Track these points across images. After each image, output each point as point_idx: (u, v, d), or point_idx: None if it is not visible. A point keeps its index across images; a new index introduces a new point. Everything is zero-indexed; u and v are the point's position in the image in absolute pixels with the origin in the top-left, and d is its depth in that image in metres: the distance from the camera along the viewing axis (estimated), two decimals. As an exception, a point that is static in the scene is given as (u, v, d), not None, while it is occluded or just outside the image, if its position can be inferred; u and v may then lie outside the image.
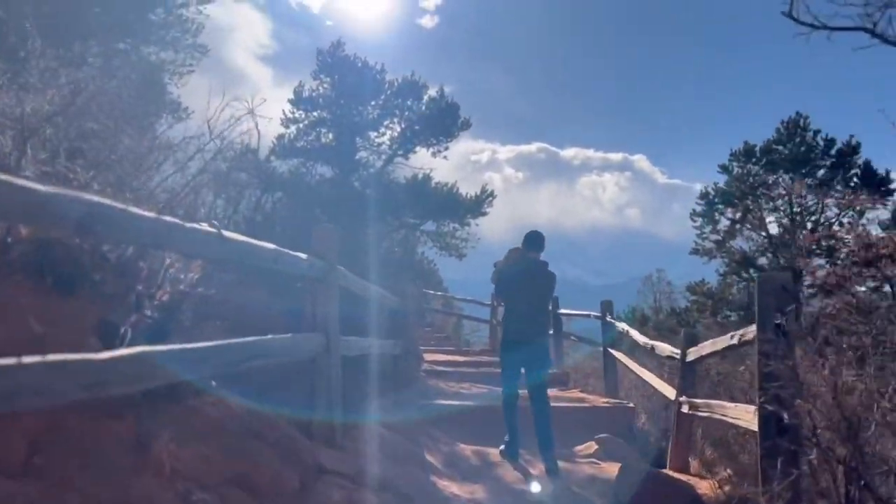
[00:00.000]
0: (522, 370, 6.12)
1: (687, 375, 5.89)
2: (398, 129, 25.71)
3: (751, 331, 3.41)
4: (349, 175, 24.05)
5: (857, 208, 18.41)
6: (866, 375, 2.80)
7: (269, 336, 2.97)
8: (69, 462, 2.08)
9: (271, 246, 3.03)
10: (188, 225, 2.29)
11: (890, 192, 21.25)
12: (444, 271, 28.18)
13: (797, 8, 3.89)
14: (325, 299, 3.91)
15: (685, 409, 5.64)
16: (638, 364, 8.47)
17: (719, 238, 22.98)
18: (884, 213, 19.22)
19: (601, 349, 10.11)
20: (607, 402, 8.26)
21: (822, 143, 23.02)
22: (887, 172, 22.22)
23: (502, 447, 6.05)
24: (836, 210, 21.37)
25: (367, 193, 21.60)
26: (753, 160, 23.04)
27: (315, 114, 25.45)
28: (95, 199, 1.85)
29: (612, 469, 5.71)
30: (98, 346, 2.34)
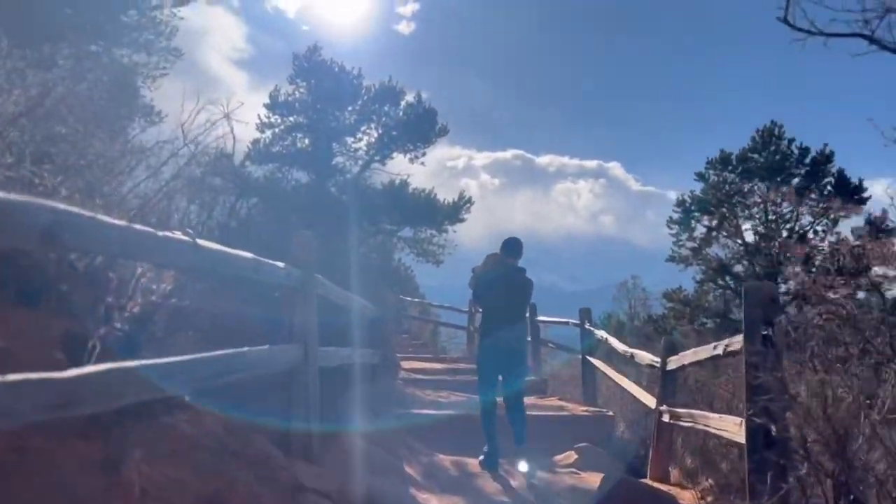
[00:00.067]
0: (500, 377, 6.09)
1: (667, 384, 5.87)
2: (375, 135, 25.59)
3: (736, 341, 3.38)
4: (325, 181, 23.88)
5: (832, 216, 18.72)
6: (854, 386, 2.77)
7: (245, 349, 2.86)
8: (33, 485, 1.96)
9: (248, 255, 2.93)
10: (161, 233, 2.19)
11: (863, 200, 21.60)
12: (421, 277, 28.08)
13: (793, 13, 3.88)
14: (302, 309, 3.81)
15: (666, 418, 5.61)
16: (617, 371, 8.45)
17: (696, 245, 23.19)
18: (856, 221, 19.56)
19: (578, 356, 10.10)
20: (586, 411, 8.22)
21: (796, 151, 23.37)
22: (860, 181, 22.61)
23: (481, 457, 5.98)
24: (810, 218, 21.72)
25: (343, 199, 21.47)
26: (729, 168, 23.30)
27: (291, 119, 25.25)
28: (62, 206, 1.74)
29: (592, 479, 5.67)
30: (64, 361, 2.22)
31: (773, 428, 2.73)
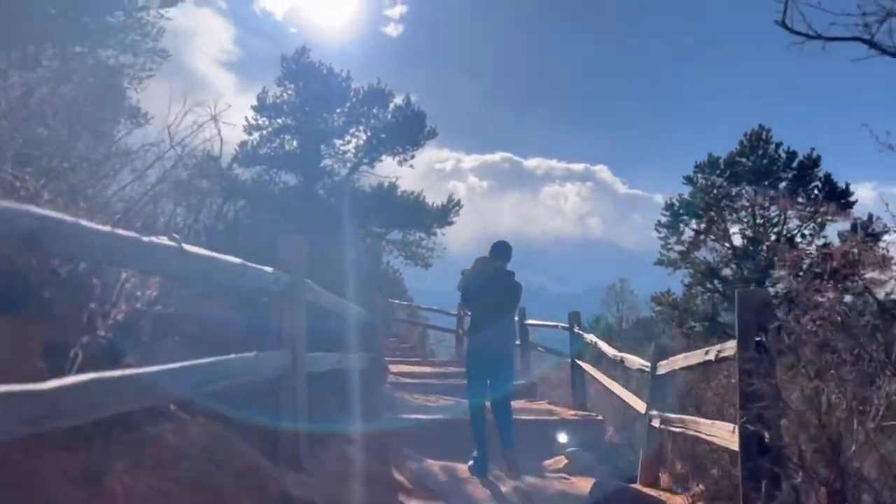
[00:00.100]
0: (489, 381, 6.07)
1: (657, 389, 5.85)
2: (364, 137, 25.52)
3: (728, 347, 3.36)
4: (314, 183, 23.78)
5: (819, 220, 18.85)
6: (848, 393, 2.75)
7: (232, 356, 2.81)
8: (13, 499, 1.90)
9: (236, 260, 2.87)
10: (146, 239, 2.13)
11: (850, 205, 21.75)
12: (409, 280, 28.02)
13: (791, 17, 3.86)
14: (291, 314, 3.75)
15: (656, 423, 5.59)
16: (606, 375, 8.44)
17: (684, 249, 23.25)
18: (843, 225, 19.69)
19: (568, 360, 10.08)
20: (576, 415, 8.21)
21: (783, 155, 23.49)
22: (847, 185, 22.77)
23: (471, 463, 5.94)
24: (797, 222, 21.84)
25: (332, 202, 21.39)
26: (717, 172, 23.39)
27: (279, 121, 25.13)
28: (44, 212, 1.69)
29: (582, 484, 5.64)
30: (45, 371, 2.16)
31: (767, 435, 2.71)
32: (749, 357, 2.86)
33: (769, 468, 2.66)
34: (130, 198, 7.25)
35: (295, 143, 25.03)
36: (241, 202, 11.44)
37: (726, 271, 22.39)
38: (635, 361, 6.69)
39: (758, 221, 22.34)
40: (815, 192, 22.36)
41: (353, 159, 25.68)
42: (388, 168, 25.36)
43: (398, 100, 25.58)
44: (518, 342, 10.44)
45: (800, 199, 21.24)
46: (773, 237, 21.12)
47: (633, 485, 5.65)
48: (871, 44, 3.72)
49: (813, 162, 23.31)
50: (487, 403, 6.17)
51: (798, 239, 21.32)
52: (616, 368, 8.34)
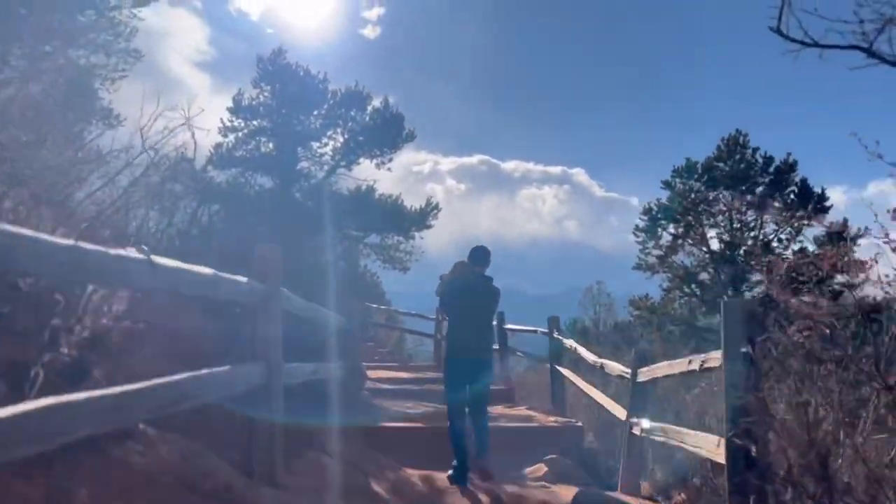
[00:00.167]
0: (467, 386, 6.02)
1: (638, 396, 5.81)
2: (341, 140, 25.31)
3: (713, 357, 3.31)
4: (290, 186, 23.55)
5: (795, 225, 19.06)
6: (835, 405, 2.71)
7: (204, 371, 2.69)
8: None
9: (208, 271, 2.76)
10: (112, 252, 2.02)
11: (825, 210, 22.04)
12: (387, 284, 27.85)
13: (786, 23, 3.82)
14: (266, 325, 3.63)
15: (636, 430, 5.55)
16: (584, 380, 8.39)
17: (662, 253, 23.38)
18: (818, 230, 19.92)
19: (547, 364, 10.03)
20: (556, 422, 8.15)
21: (760, 160, 23.72)
22: (823, 190, 23.05)
23: (450, 472, 5.85)
24: (774, 226, 22.06)
25: (308, 205, 21.19)
26: (695, 177, 23.55)
27: (255, 123, 24.84)
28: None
29: (563, 492, 5.58)
30: (4, 392, 2.04)
31: (754, 449, 2.66)
32: (735, 370, 2.81)
33: (756, 483, 2.61)
34: (102, 202, 7.07)
35: (271, 145, 24.77)
36: (216, 206, 11.27)
37: (704, 276, 22.57)
38: (615, 368, 6.66)
39: (735, 226, 22.54)
40: (792, 196, 22.62)
41: (330, 162, 25.47)
42: (366, 171, 25.20)
43: (376, 102, 25.45)
44: (496, 346, 10.38)
45: (776, 204, 21.46)
46: (750, 241, 21.32)
47: (613, 493, 5.60)
48: (870, 52, 3.69)
49: (789, 167, 23.56)
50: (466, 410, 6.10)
51: (774, 243, 21.57)
52: (594, 372, 8.31)
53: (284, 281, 4.01)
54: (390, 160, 25.12)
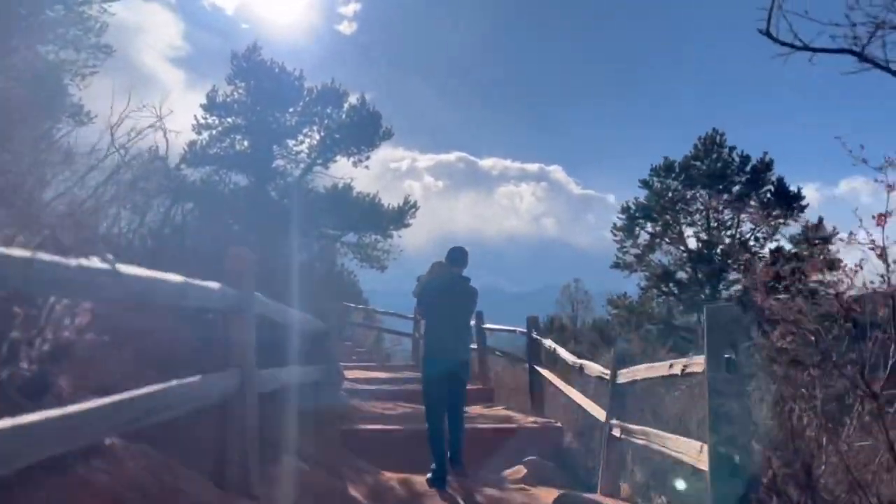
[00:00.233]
0: (446, 387, 5.99)
1: (617, 397, 5.79)
2: (317, 137, 25.11)
3: (696, 362, 3.27)
4: (265, 184, 23.31)
5: (772, 223, 19.26)
6: (818, 410, 2.69)
7: (174, 382, 2.59)
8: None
9: (177, 278, 2.65)
10: (73, 263, 1.91)
11: (801, 208, 22.33)
12: (365, 281, 27.70)
13: (776, 26, 3.77)
14: (239, 331, 3.53)
15: (616, 432, 5.52)
16: (563, 379, 8.37)
17: (639, 252, 23.53)
18: (794, 228, 20.18)
19: (525, 364, 10.01)
20: (535, 423, 8.11)
21: (737, 159, 23.97)
22: (798, 189, 23.34)
23: (429, 475, 5.80)
24: (751, 225, 22.31)
25: (284, 203, 20.98)
26: (673, 175, 23.73)
27: (229, 120, 24.56)
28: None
29: (543, 495, 5.55)
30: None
31: (738, 457, 2.63)
32: (719, 377, 2.77)
33: (741, 492, 2.57)
34: (71, 202, 6.89)
35: (246, 142, 24.50)
36: (190, 204, 11.06)
37: (681, 274, 22.76)
38: (595, 369, 6.63)
39: (712, 225, 22.76)
40: (768, 195, 22.89)
41: (306, 160, 25.26)
42: (343, 169, 25.02)
43: (353, 99, 25.29)
44: (475, 346, 10.35)
45: (753, 203, 21.67)
46: (728, 240, 21.52)
47: (593, 496, 5.57)
48: (862, 56, 3.67)
49: (766, 166, 23.83)
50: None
51: (751, 242, 21.80)
52: (572, 371, 8.29)
53: (259, 282, 3.91)
54: (367, 158, 24.99)
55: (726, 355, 2.85)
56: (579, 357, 8.01)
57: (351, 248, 25.13)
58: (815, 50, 3.83)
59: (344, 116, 25.02)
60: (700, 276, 20.76)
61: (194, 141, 23.63)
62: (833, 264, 2.79)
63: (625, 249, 23.94)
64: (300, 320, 5.68)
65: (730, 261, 18.32)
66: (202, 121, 24.24)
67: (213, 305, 3.31)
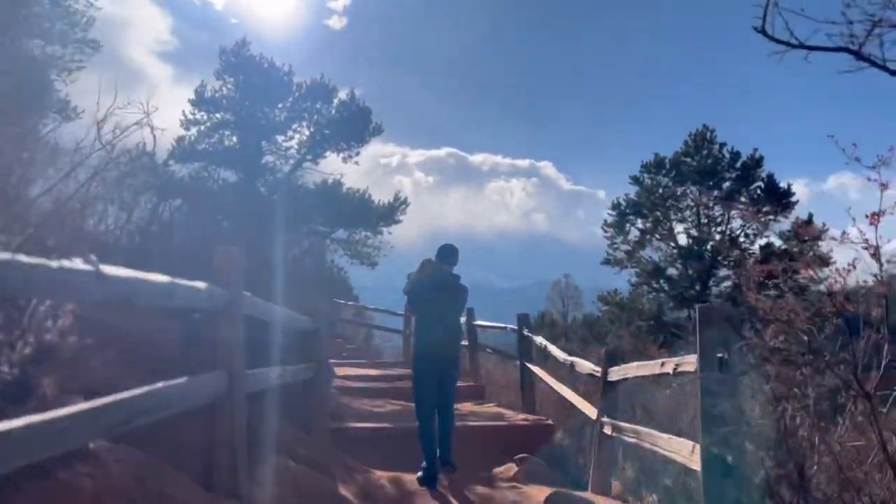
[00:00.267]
0: (436, 385, 5.98)
1: (609, 395, 5.78)
2: (307, 133, 24.99)
3: (688, 361, 3.26)
4: (255, 180, 23.18)
5: (761, 220, 19.34)
6: (810, 410, 2.68)
7: (160, 384, 2.54)
8: None
9: (163, 278, 2.59)
10: (54, 264, 1.86)
11: (791, 205, 22.42)
12: (355, 277, 27.63)
13: (771, 23, 3.74)
14: (227, 331, 3.48)
15: (607, 430, 5.51)
16: (555, 376, 8.36)
17: (630, 248, 23.56)
18: (784, 225, 20.25)
19: (516, 361, 10.00)
20: (526, 420, 8.10)
21: (727, 155, 24.02)
22: (789, 186, 23.45)
23: (420, 474, 5.78)
24: (740, 221, 22.40)
25: (273, 199, 20.88)
26: (663, 172, 23.76)
27: (218, 115, 24.39)
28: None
29: (535, 493, 5.53)
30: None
31: (730, 458, 2.62)
32: (711, 377, 2.75)
33: (734, 493, 2.56)
34: (57, 199, 6.80)
35: (235, 138, 24.35)
36: (178, 201, 10.98)
37: (672, 271, 22.82)
38: (586, 366, 6.62)
39: (702, 221, 22.82)
40: (758, 192, 22.96)
41: (295, 156, 25.14)
42: (333, 165, 24.93)
43: (342, 94, 25.20)
44: (465, 343, 10.34)
45: (743, 199, 21.74)
46: (718, 237, 21.60)
47: (585, 493, 5.56)
48: (859, 55, 3.64)
49: (756, 162, 23.90)
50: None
51: (741, 238, 21.89)
52: (563, 367, 8.28)
53: (248, 280, 3.86)
54: (357, 154, 24.92)
55: (718, 355, 2.84)
56: (570, 354, 8.01)
57: (341, 244, 25.04)
58: (810, 48, 3.81)
59: (333, 112, 24.91)
60: (690, 272, 20.82)
61: (182, 137, 23.49)
62: (823, 260, 2.77)
63: (615, 246, 23.98)
64: (289, 318, 5.63)
65: (720, 257, 18.39)
66: (190, 116, 24.10)
67: (201, 306, 3.25)
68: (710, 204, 21.62)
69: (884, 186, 2.38)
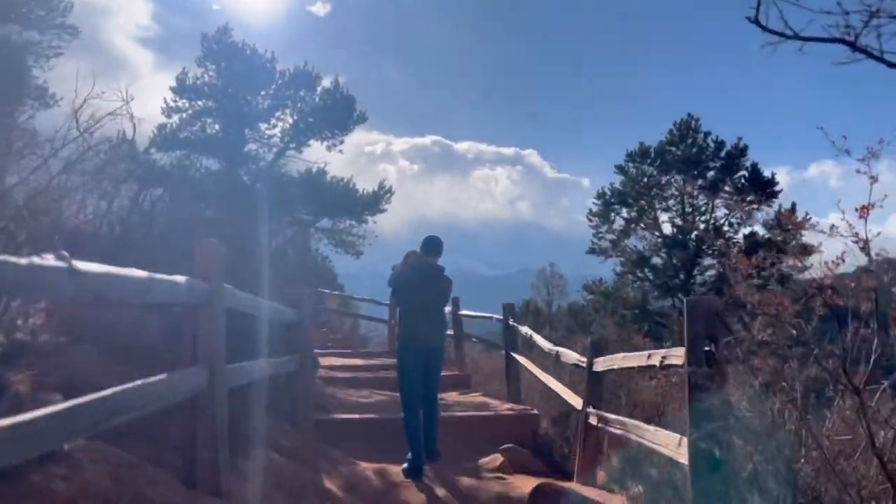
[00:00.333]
0: (421, 376, 5.99)
1: (594, 385, 5.77)
2: (290, 121, 24.77)
3: (675, 354, 3.24)
4: (237, 168, 22.95)
5: (746, 209, 19.47)
6: (798, 404, 2.66)
7: (138, 382, 2.47)
8: None
9: (141, 274, 2.52)
10: (23, 262, 1.78)
11: (775, 194, 22.55)
12: (340, 265, 27.49)
13: (765, 13, 3.69)
14: (208, 326, 3.40)
15: (593, 420, 5.51)
16: (540, 366, 8.36)
17: (615, 237, 23.63)
18: (768, 214, 20.38)
19: (502, 350, 9.99)
20: (511, 410, 8.10)
21: (712, 144, 24.11)
22: (773, 175, 23.56)
23: (405, 465, 5.76)
24: (724, 210, 22.53)
25: (257, 188, 20.70)
26: (648, 161, 23.81)
27: (200, 103, 24.10)
28: None
29: (520, 484, 5.52)
30: None
31: (718, 452, 2.60)
32: (699, 371, 2.73)
33: (721, 488, 2.54)
34: (33, 190, 6.66)
35: (217, 126, 24.09)
36: (159, 190, 10.81)
37: (656, 260, 22.93)
38: (571, 356, 6.61)
39: (687, 210, 22.92)
40: (742, 181, 23.08)
41: (279, 144, 24.92)
42: (317, 153, 24.74)
43: (326, 82, 24.98)
44: (451, 332, 10.33)
45: (727, 188, 21.83)
46: (702, 225, 21.71)
47: (571, 484, 5.56)
48: (855, 46, 3.60)
49: (740, 151, 24.01)
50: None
51: (726, 228, 22.00)
52: (548, 356, 8.27)
53: (230, 271, 3.78)
54: (341, 142, 24.73)
55: (706, 348, 2.83)
56: (555, 343, 8.00)
57: (325, 233, 24.89)
58: (805, 39, 3.76)
59: (317, 100, 24.70)
60: (675, 261, 20.93)
61: (164, 124, 23.21)
62: (807, 249, 2.75)
63: (600, 235, 24.06)
64: (272, 310, 5.56)
65: (704, 246, 18.46)
66: (172, 104, 23.81)
67: (180, 300, 3.18)
68: (695, 193, 21.74)
69: (873, 179, 2.35)
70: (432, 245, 6.08)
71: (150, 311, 4.80)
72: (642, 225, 23.12)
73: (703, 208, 23.22)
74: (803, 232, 3.34)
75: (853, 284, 2.31)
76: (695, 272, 20.77)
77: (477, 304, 12.64)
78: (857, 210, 2.30)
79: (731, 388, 2.80)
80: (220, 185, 18.33)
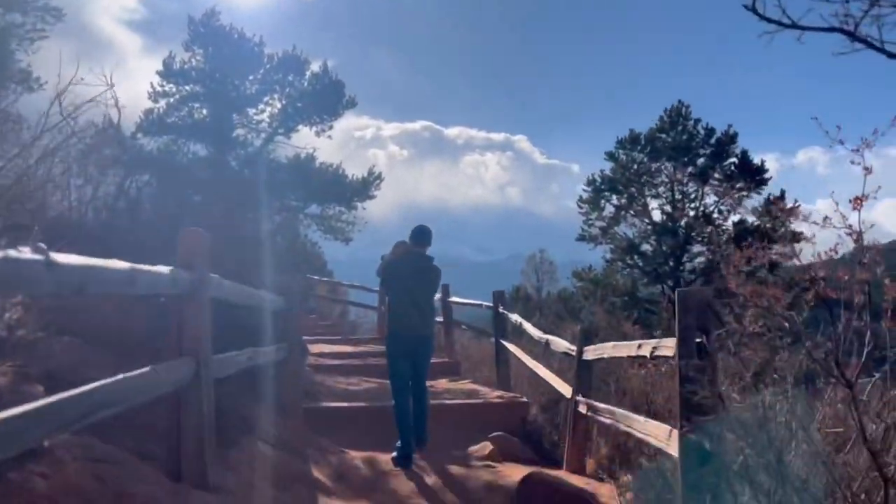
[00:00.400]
0: (411, 365, 6.01)
1: (583, 374, 5.76)
2: (279, 106, 24.53)
3: (666, 345, 3.22)
4: (225, 154, 22.75)
5: (735, 196, 19.54)
6: (788, 396, 2.65)
7: (121, 376, 2.43)
8: None
9: (123, 265, 2.47)
10: (-1, 255, 1.73)
11: (764, 181, 22.63)
12: (329, 251, 27.38)
13: (763, 1, 3.63)
14: (194, 317, 3.35)
15: (582, 409, 5.50)
16: (530, 353, 8.35)
17: (605, 224, 23.66)
18: (757, 200, 20.44)
19: (488, 335, 9.99)
20: (501, 397, 8.09)
21: (702, 131, 24.14)
22: (762, 162, 23.64)
23: (394, 454, 5.75)
24: (714, 198, 22.60)
25: (245, 174, 20.54)
26: (639, 148, 23.81)
27: (187, 87, 23.82)
28: None
29: (509, 472, 5.51)
30: None
31: (709, 445, 2.58)
32: (691, 364, 2.71)
33: (713, 481, 2.53)
34: (13, 177, 6.54)
35: (205, 111, 23.82)
36: (146, 176, 10.67)
37: (646, 246, 22.99)
38: (561, 344, 6.61)
39: (676, 197, 22.96)
40: (732, 168, 23.13)
41: (267, 129, 24.69)
42: (306, 138, 24.55)
43: (315, 67, 24.74)
44: (441, 319, 10.30)
45: (717, 175, 21.87)
46: (692, 213, 21.77)
47: (560, 472, 5.56)
48: (854, 36, 3.56)
49: (730, 138, 24.06)
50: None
51: (715, 215, 22.07)
52: (539, 345, 8.26)
53: (217, 257, 3.72)
54: (330, 127, 24.54)
55: (697, 340, 2.81)
56: (545, 331, 7.99)
57: (314, 219, 24.73)
58: (804, 28, 3.72)
59: (306, 84, 24.48)
60: (664, 248, 20.99)
61: (151, 109, 22.95)
62: (796, 236, 2.72)
63: (590, 222, 24.10)
64: (260, 298, 5.51)
65: (694, 233, 18.53)
66: (159, 88, 23.52)
67: (165, 291, 3.13)
68: (685, 180, 21.81)
69: (867, 171, 2.32)
70: (421, 235, 6.08)
71: (137, 303, 4.73)
72: (632, 212, 23.16)
73: (692, 195, 23.32)
74: (792, 220, 3.30)
75: (846, 277, 2.28)
76: (684, 259, 20.85)
77: (466, 289, 12.63)
78: (850, 202, 2.27)
79: (721, 379, 2.79)
80: (208, 171, 18.18)
